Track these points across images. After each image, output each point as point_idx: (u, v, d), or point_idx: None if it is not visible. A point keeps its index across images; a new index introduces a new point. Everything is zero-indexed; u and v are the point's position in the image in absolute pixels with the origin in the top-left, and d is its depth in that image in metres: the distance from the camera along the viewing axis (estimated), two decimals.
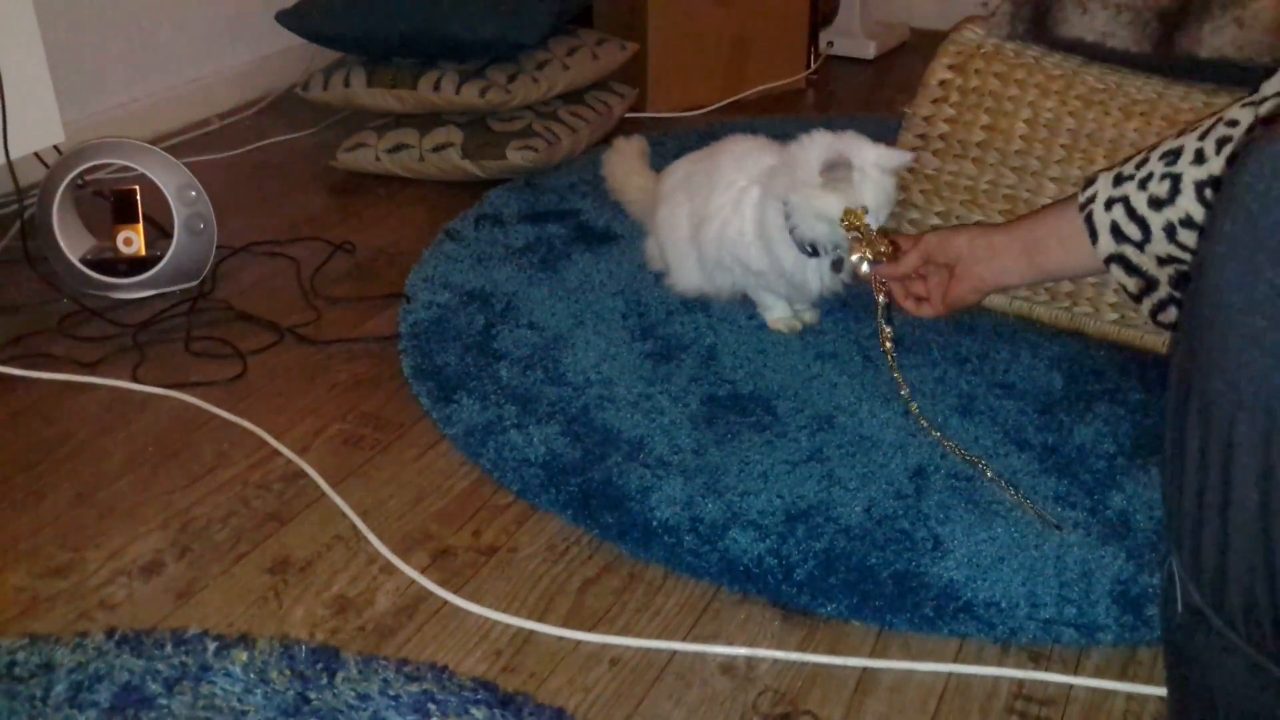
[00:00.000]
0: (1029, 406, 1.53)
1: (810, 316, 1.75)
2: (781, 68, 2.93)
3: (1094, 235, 1.24)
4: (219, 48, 2.72)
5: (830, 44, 3.19)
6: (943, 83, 1.74)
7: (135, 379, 1.63)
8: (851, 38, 3.19)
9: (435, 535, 1.33)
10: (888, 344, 1.49)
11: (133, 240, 1.87)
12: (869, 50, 3.17)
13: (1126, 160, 1.24)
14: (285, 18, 2.38)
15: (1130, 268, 1.25)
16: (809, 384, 1.59)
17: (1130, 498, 1.36)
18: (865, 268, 1.49)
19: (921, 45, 3.16)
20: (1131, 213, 1.21)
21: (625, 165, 2.02)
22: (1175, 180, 1.16)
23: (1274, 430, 0.62)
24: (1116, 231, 1.22)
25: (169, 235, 1.86)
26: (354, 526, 1.34)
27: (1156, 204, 1.19)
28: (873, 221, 1.52)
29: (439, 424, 1.52)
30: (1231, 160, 1.11)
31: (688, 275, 1.77)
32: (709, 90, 2.78)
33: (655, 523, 1.32)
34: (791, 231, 1.57)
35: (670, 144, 2.32)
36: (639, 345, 1.68)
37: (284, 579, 1.26)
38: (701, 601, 1.24)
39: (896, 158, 1.54)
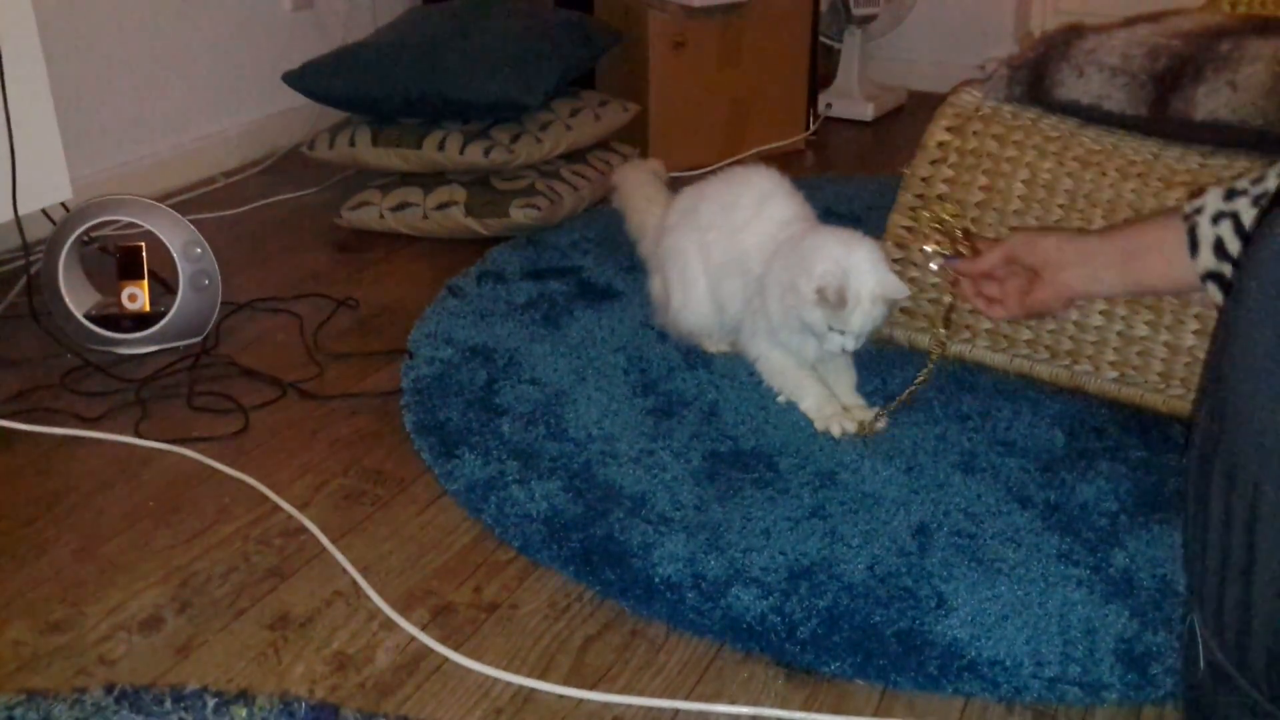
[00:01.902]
0: (1031, 464, 1.53)
1: (860, 415, 1.64)
2: (781, 129, 2.97)
3: (1194, 247, 1.13)
4: (225, 107, 2.75)
5: (829, 106, 3.23)
6: (941, 144, 1.76)
7: (138, 434, 1.64)
8: (850, 100, 3.23)
9: (436, 591, 1.33)
10: (936, 351, 1.45)
11: (137, 296, 1.88)
12: (867, 112, 3.22)
13: (1239, 175, 1.16)
14: (291, 78, 2.41)
15: (1228, 288, 1.13)
16: (810, 440, 1.60)
17: (1133, 555, 1.35)
18: (934, 265, 1.43)
19: (919, 107, 3.20)
20: (1240, 229, 1.09)
21: (638, 177, 2.05)
22: None
23: None
24: (1219, 248, 1.11)
25: (174, 291, 1.87)
26: (354, 582, 1.34)
27: None
28: (851, 343, 1.56)
29: (441, 479, 1.52)
30: (1260, 222, 1.07)
31: (690, 311, 1.78)
32: (709, 151, 2.82)
33: (657, 579, 1.32)
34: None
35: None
36: (641, 401, 1.69)
37: (284, 635, 1.25)
38: (704, 659, 1.23)
39: (895, 290, 1.55)
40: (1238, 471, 0.66)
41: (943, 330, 1.46)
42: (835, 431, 1.60)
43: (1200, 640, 0.72)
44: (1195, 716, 0.77)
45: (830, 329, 1.56)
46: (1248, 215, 1.09)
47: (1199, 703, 0.75)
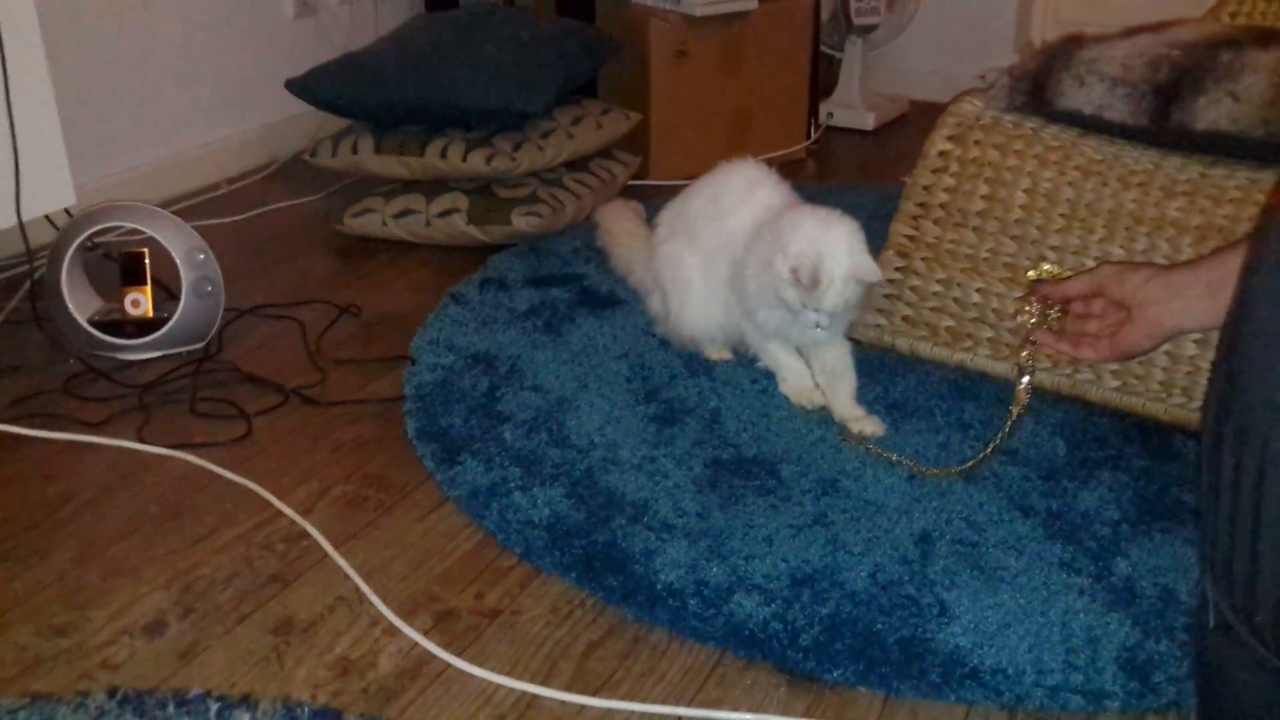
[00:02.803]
0: (1033, 473, 1.53)
1: (872, 427, 1.65)
2: (782, 138, 2.97)
3: None
4: (229, 114, 2.76)
5: (830, 115, 3.23)
6: (942, 153, 1.76)
7: (140, 439, 1.64)
8: (851, 109, 3.24)
9: (438, 597, 1.33)
10: (1014, 410, 1.44)
11: (140, 302, 1.88)
12: (868, 121, 3.22)
13: None
14: (294, 86, 2.42)
15: None
16: (813, 448, 1.60)
17: (1135, 564, 1.36)
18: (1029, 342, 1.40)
19: (920, 117, 3.21)
20: None
21: (619, 214, 2.06)
22: None
23: None
24: None
25: (176, 297, 1.87)
26: (357, 588, 1.34)
27: None
28: (825, 321, 1.58)
29: (443, 486, 1.53)
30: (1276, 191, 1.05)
31: (687, 317, 1.78)
32: (710, 159, 2.77)
33: (660, 586, 1.32)
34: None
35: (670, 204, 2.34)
36: (643, 408, 1.69)
37: (286, 640, 1.26)
38: (706, 666, 1.23)
39: (868, 274, 1.56)
40: (1249, 430, 0.68)
41: (1023, 383, 1.43)
42: (806, 405, 1.68)
43: (1210, 601, 0.74)
44: (1204, 676, 0.78)
45: (804, 307, 1.57)
46: None
47: (1208, 665, 0.76)
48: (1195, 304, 1.21)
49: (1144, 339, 1.26)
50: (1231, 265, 1.13)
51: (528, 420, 1.66)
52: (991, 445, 1.50)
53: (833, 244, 1.56)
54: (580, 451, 1.58)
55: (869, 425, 1.63)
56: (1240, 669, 0.73)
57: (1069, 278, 1.35)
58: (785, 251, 1.56)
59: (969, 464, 1.51)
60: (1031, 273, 1.42)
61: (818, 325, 1.59)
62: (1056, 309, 1.37)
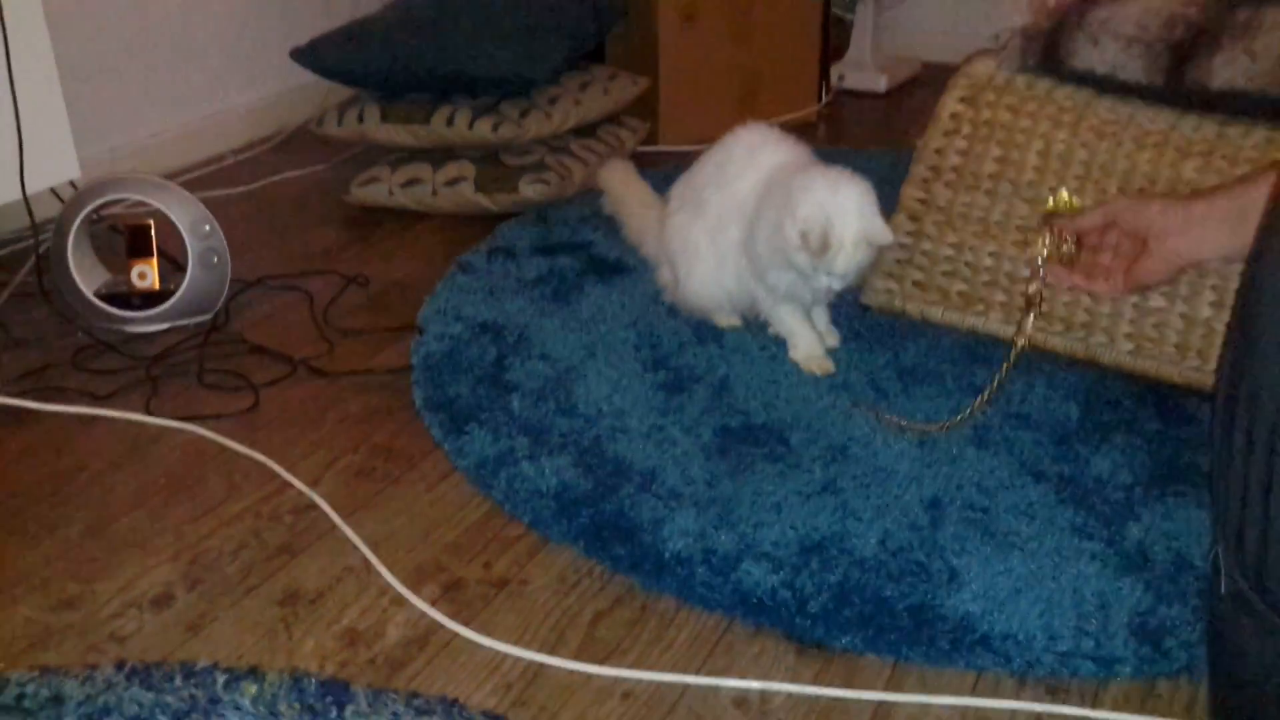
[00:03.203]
0: (1045, 438, 1.52)
1: (832, 340, 1.74)
2: (793, 101, 2.94)
3: None
4: (234, 84, 2.74)
5: (841, 78, 3.20)
6: (954, 115, 1.74)
7: (148, 411, 1.64)
8: (863, 71, 3.20)
9: (446, 567, 1.33)
10: (1019, 341, 1.41)
11: (147, 274, 1.88)
12: (880, 84, 3.18)
13: None
14: (300, 55, 2.40)
15: None
16: (822, 415, 1.59)
17: (1148, 529, 1.34)
18: (1040, 260, 1.35)
19: (933, 79, 3.17)
20: None
21: (623, 179, 2.04)
22: None
23: None
24: None
25: (183, 269, 1.87)
26: (365, 559, 1.33)
27: None
28: (838, 284, 1.57)
29: (450, 456, 1.52)
30: None
31: (697, 284, 1.77)
32: (720, 123, 2.75)
33: (668, 554, 1.31)
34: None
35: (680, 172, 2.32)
36: (651, 376, 1.68)
37: (294, 611, 1.26)
38: (714, 634, 1.23)
39: (879, 235, 1.55)
40: (1261, 395, 0.69)
41: (1029, 317, 1.38)
42: (817, 371, 1.69)
43: (1222, 568, 0.74)
44: (1216, 644, 0.78)
45: (816, 270, 1.56)
46: None
47: (1220, 633, 0.77)
48: (1214, 233, 1.18)
49: (1161, 270, 1.24)
50: (1252, 195, 1.12)
51: (535, 389, 1.65)
52: (996, 380, 1.46)
53: (842, 206, 1.54)
54: (588, 420, 1.57)
55: (830, 338, 1.73)
56: (1251, 636, 0.73)
57: (1083, 210, 1.32)
58: (794, 215, 1.54)
59: (967, 412, 1.48)
60: (1050, 201, 1.37)
61: (829, 288, 1.58)
62: (1070, 242, 1.33)
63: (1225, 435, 0.72)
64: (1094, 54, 1.67)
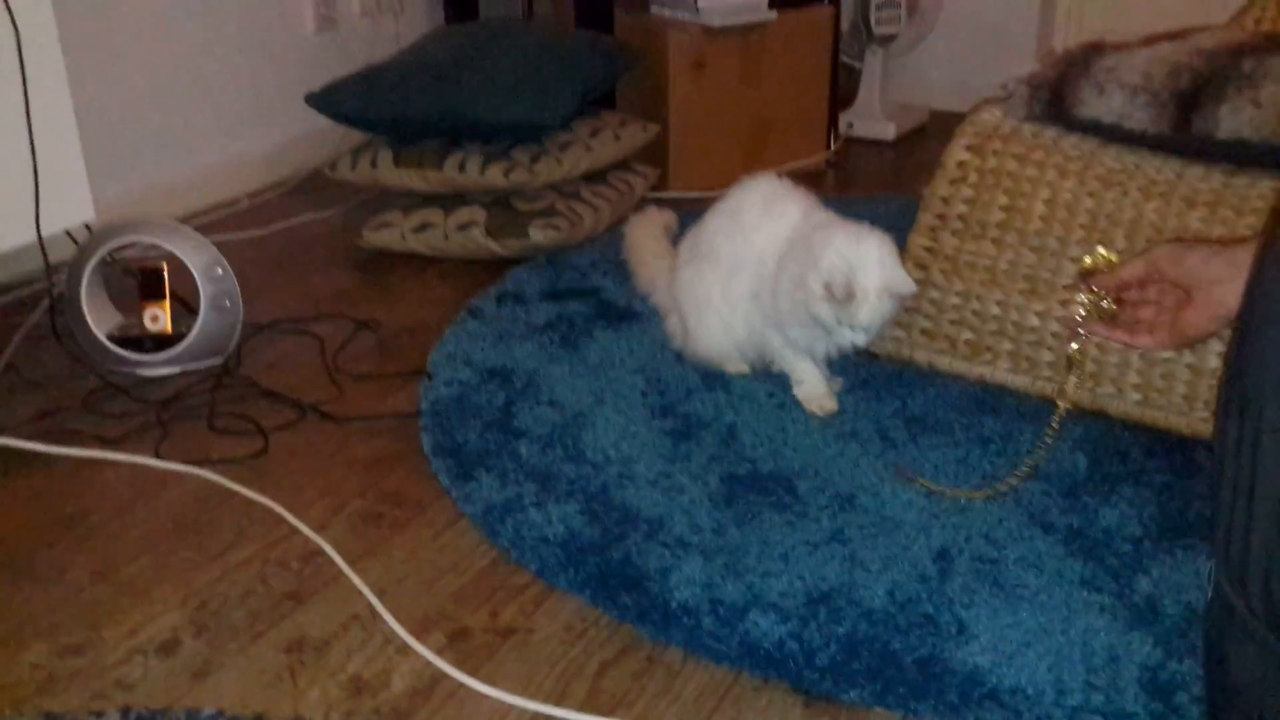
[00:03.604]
0: (1053, 489, 1.51)
1: (836, 385, 1.74)
2: (802, 148, 2.96)
3: None
4: (249, 128, 2.77)
5: (850, 125, 3.22)
6: (961, 164, 1.75)
7: (158, 455, 1.64)
8: (871, 119, 3.23)
9: (452, 615, 1.32)
10: (1061, 405, 1.39)
11: (159, 317, 1.89)
12: (889, 132, 3.21)
13: None
14: (314, 100, 2.42)
15: None
16: (830, 463, 1.58)
17: (1158, 581, 1.34)
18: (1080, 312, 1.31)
19: (941, 127, 3.18)
20: None
21: (646, 230, 2.04)
22: None
23: None
24: None
25: (195, 312, 1.88)
26: (371, 606, 1.33)
27: None
28: (861, 338, 1.57)
29: (458, 502, 1.52)
30: None
31: (706, 336, 1.77)
32: (730, 170, 2.78)
33: (674, 604, 1.31)
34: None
35: (690, 223, 2.33)
36: (659, 423, 1.68)
37: (300, 659, 1.25)
38: (721, 686, 1.22)
39: (902, 285, 1.56)
40: (1249, 399, 0.71)
41: (1072, 378, 1.37)
42: (818, 411, 1.70)
43: (1212, 575, 0.76)
44: (1207, 656, 0.79)
45: (839, 323, 1.56)
46: None
47: (1210, 641, 0.78)
48: None
49: (1207, 320, 1.18)
50: None
51: (543, 435, 1.65)
52: (1040, 449, 1.46)
53: (865, 257, 1.55)
54: (595, 467, 1.57)
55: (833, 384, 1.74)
56: (1238, 644, 0.73)
57: (1121, 264, 1.28)
58: (817, 268, 1.55)
59: (1011, 479, 1.48)
60: (1087, 259, 1.33)
61: (852, 343, 1.58)
62: (1108, 299, 1.29)
63: (1221, 439, 0.74)
64: (1100, 103, 1.68)
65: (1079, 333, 1.32)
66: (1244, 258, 1.10)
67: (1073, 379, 1.39)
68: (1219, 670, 0.77)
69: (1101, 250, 1.32)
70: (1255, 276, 0.73)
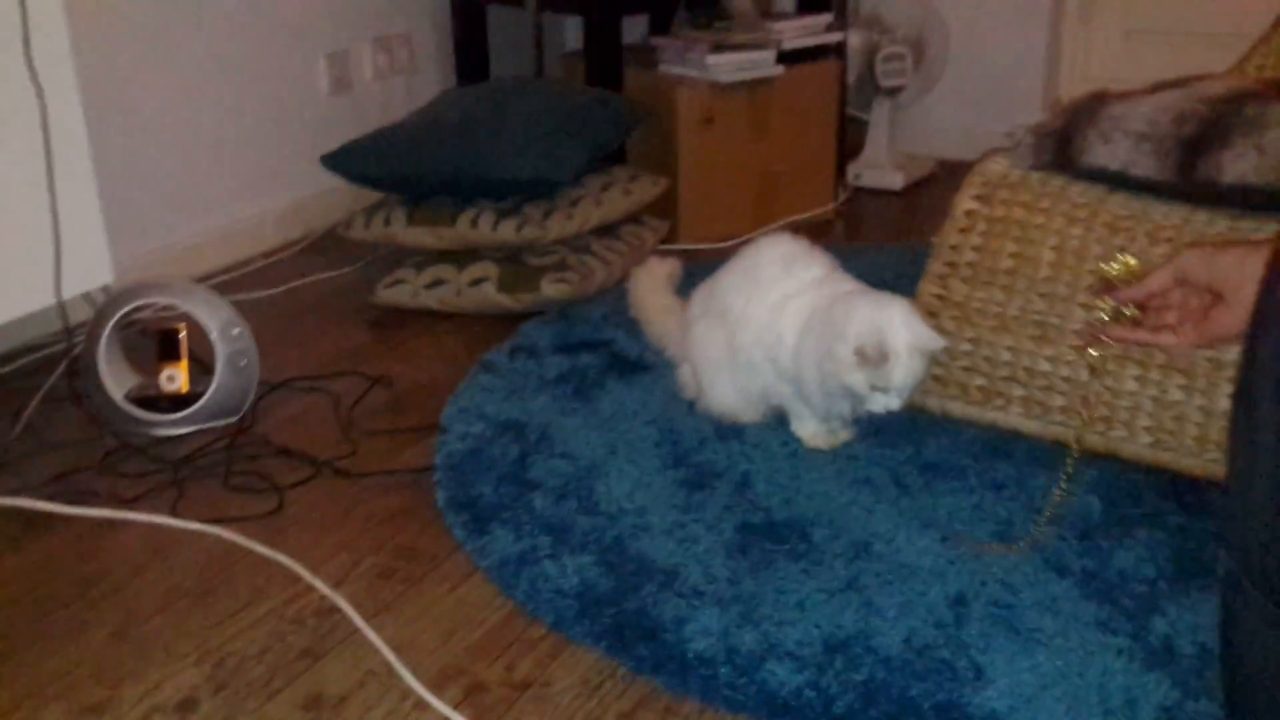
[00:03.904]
0: (1067, 532, 1.51)
1: (846, 434, 1.75)
2: (810, 200, 2.99)
3: None
4: (265, 189, 2.81)
5: (858, 176, 3.25)
6: (969, 213, 1.76)
7: (174, 514, 1.65)
8: (879, 170, 3.25)
9: (468, 670, 1.32)
10: (1074, 446, 1.37)
11: (176, 377, 1.91)
12: (897, 181, 3.23)
13: None
14: (330, 161, 2.46)
15: None
16: (844, 510, 1.59)
17: (1173, 622, 1.33)
18: (1105, 314, 1.25)
19: (949, 176, 3.21)
20: None
21: (651, 285, 2.06)
22: None
23: None
24: None
25: (212, 372, 1.90)
26: (387, 662, 1.33)
27: None
28: (896, 400, 1.57)
29: (473, 555, 1.53)
30: None
31: (722, 394, 1.79)
32: (740, 222, 2.84)
33: (691, 655, 1.30)
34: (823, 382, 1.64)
35: (701, 275, 2.35)
36: (672, 473, 1.69)
37: (317, 715, 1.25)
38: None
39: (931, 342, 1.57)
40: (1252, 394, 0.79)
41: (1082, 413, 1.36)
42: (822, 445, 1.74)
43: (1222, 553, 0.81)
44: (1223, 638, 0.83)
45: (873, 389, 1.56)
46: None
47: (1224, 622, 0.81)
48: None
49: (1241, 320, 1.06)
50: None
51: (557, 488, 1.66)
52: (1064, 479, 1.46)
53: (891, 319, 1.57)
54: (610, 518, 1.58)
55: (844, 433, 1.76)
56: (1246, 617, 0.77)
57: (1147, 276, 1.22)
58: (845, 337, 1.57)
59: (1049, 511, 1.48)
60: (1114, 266, 1.25)
61: (887, 408, 1.59)
62: (1131, 308, 1.23)
63: (1231, 428, 0.80)
64: (1106, 151, 1.69)
65: (1100, 338, 1.26)
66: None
67: (1096, 386, 1.36)
68: (1234, 645, 0.80)
69: (1125, 257, 1.26)
70: (1268, 277, 0.78)
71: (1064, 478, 1.43)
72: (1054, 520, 1.52)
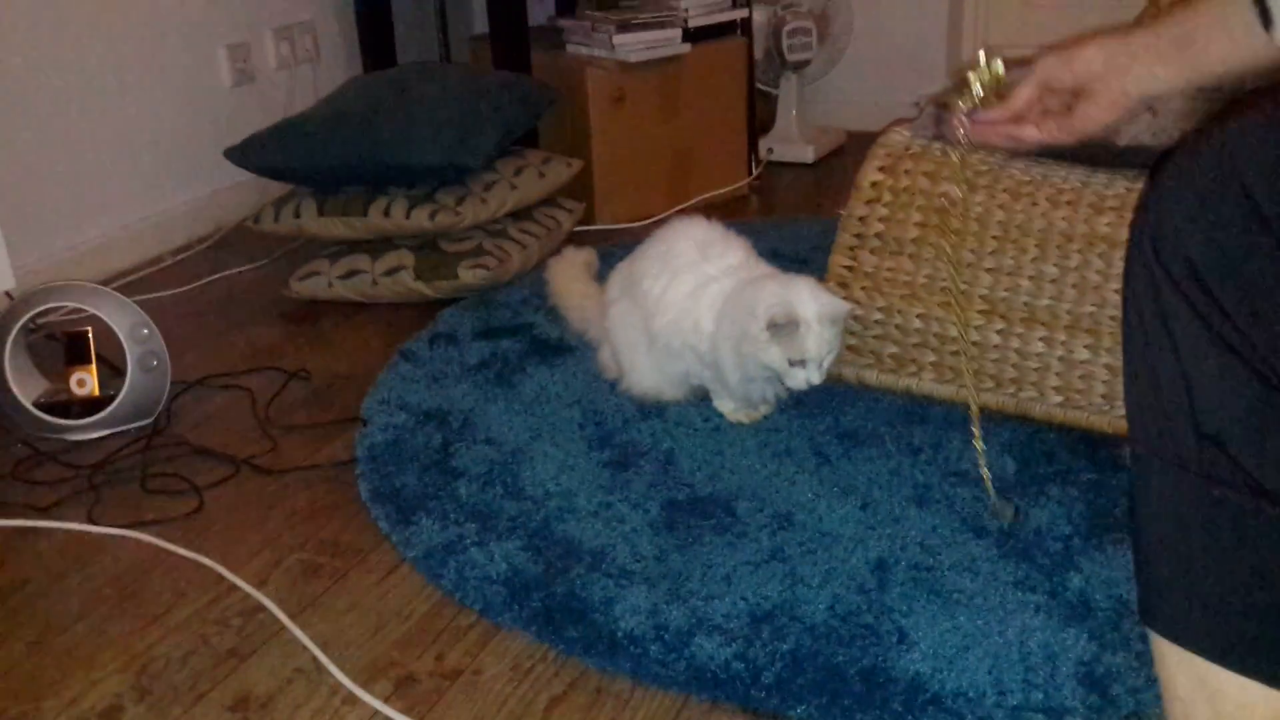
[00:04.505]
0: (984, 493, 1.55)
1: (767, 407, 1.77)
2: (724, 176, 3.00)
3: (1267, 18, 0.98)
4: (169, 185, 2.75)
5: (770, 151, 3.27)
6: (874, 184, 1.79)
7: (91, 521, 1.62)
8: (790, 144, 3.28)
9: (398, 662, 1.32)
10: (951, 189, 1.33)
11: (86, 381, 1.87)
12: (808, 155, 3.26)
13: None
14: (234, 154, 2.42)
15: None
16: (767, 483, 1.61)
17: (1088, 578, 1.37)
18: (961, 127, 1.19)
19: (858, 147, 3.22)
20: None
21: (568, 273, 2.06)
22: None
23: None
24: None
25: (122, 374, 1.86)
26: (314, 658, 1.32)
27: None
28: (815, 373, 1.59)
29: (398, 547, 1.52)
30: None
31: (643, 375, 1.80)
32: (654, 201, 2.84)
33: (620, 634, 1.31)
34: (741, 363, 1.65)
35: (620, 254, 2.35)
36: (597, 454, 1.69)
37: (245, 717, 1.24)
38: (670, 712, 1.23)
39: (839, 308, 1.61)
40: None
41: (968, 360, 1.40)
42: (745, 420, 1.77)
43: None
44: (1131, 514, 0.87)
45: (790, 364, 1.58)
46: None
47: (1131, 497, 0.86)
48: (1159, 67, 1.07)
49: (1108, 111, 1.10)
50: (1192, 23, 1.04)
51: (482, 474, 1.65)
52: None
53: (798, 293, 1.61)
54: (536, 502, 1.58)
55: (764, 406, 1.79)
56: (1149, 490, 0.83)
57: (1011, 95, 1.16)
58: (756, 315, 1.59)
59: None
60: (982, 74, 1.18)
61: (808, 382, 1.61)
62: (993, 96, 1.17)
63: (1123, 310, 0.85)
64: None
65: (961, 129, 1.21)
66: (1142, 43, 1.08)
67: (958, 189, 1.34)
68: (1141, 527, 0.85)
69: (989, 65, 1.20)
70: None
71: (975, 435, 1.46)
72: (964, 481, 1.56)
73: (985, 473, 1.48)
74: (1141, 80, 1.08)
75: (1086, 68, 1.10)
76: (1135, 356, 0.83)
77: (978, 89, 1.18)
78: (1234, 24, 1.02)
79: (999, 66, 1.19)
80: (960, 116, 1.19)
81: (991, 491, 1.49)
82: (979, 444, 1.46)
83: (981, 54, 1.20)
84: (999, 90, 1.17)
